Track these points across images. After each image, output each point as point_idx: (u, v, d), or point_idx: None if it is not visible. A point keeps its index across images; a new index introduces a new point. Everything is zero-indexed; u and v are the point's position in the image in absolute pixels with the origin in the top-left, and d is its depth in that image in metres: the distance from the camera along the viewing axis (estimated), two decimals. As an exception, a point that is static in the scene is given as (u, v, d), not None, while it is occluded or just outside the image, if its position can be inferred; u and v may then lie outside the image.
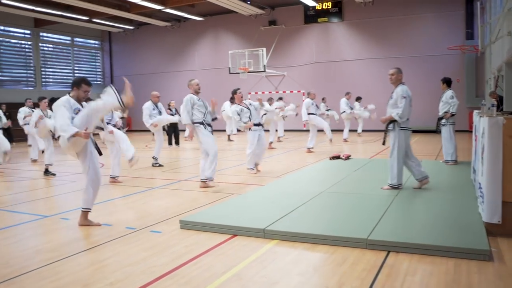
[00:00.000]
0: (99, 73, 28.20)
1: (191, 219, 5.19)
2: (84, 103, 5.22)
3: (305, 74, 22.13)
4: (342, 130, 16.45)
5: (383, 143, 6.82)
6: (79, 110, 5.03)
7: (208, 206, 6.20)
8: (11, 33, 23.30)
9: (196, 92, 7.61)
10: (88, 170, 5.18)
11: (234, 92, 8.85)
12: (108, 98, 5.10)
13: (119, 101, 5.04)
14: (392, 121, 6.47)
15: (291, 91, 22.07)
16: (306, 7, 21.53)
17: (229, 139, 17.27)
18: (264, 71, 20.63)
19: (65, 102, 5.05)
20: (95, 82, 27.69)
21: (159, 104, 10.35)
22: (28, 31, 23.94)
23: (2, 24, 22.38)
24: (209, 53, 24.42)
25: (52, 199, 7.49)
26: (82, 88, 5.04)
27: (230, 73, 21.13)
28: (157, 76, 25.59)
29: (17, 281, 3.77)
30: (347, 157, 10.29)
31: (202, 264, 4.00)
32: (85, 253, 4.41)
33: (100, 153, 5.39)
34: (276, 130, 15.68)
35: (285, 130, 17.49)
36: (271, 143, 14.04)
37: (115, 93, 5.09)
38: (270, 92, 22.56)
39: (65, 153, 5.75)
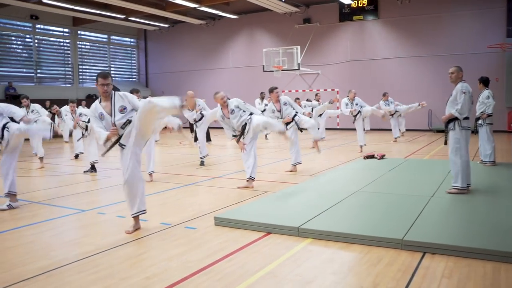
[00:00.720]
0: (135, 70, 28.64)
1: (225, 216, 5.23)
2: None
3: (339, 73, 21.95)
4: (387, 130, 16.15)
5: (445, 143, 6.68)
6: (102, 115, 5.02)
7: (242, 203, 6.23)
8: (51, 32, 23.91)
9: (222, 106, 7.44)
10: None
11: (271, 90, 8.72)
12: (164, 99, 4.75)
13: (176, 103, 4.64)
14: (452, 119, 6.29)
15: (325, 90, 21.92)
16: (341, 5, 21.34)
17: (266, 138, 17.16)
18: (298, 69, 20.54)
19: (92, 112, 5.05)
20: (130, 79, 28.15)
21: (199, 101, 10.33)
22: (67, 30, 24.52)
23: (42, 23, 22.99)
24: (243, 51, 24.49)
25: (89, 194, 7.66)
26: (98, 83, 4.96)
27: (264, 71, 21.12)
28: (191, 73, 25.82)
29: (56, 273, 3.88)
30: (382, 157, 10.17)
31: (236, 261, 4.03)
32: (122, 247, 4.50)
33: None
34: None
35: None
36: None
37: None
38: (303, 91, 22.48)
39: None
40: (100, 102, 5.04)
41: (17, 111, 6.54)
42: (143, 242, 4.65)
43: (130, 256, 4.24)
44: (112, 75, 26.23)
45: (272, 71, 20.52)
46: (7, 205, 6.32)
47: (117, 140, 4.96)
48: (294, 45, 20.94)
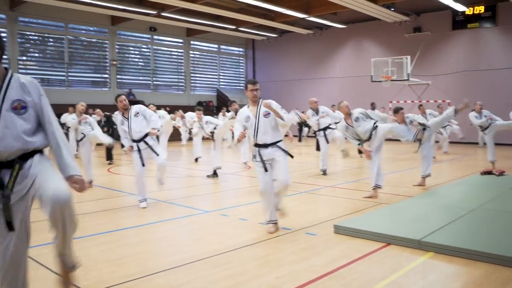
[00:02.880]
0: (242, 79, 29.62)
1: (345, 224, 5.35)
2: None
3: (451, 83, 21.08)
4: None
5: None
6: (248, 117, 5.43)
7: (358, 213, 6.31)
8: (166, 42, 25.52)
9: (346, 115, 7.54)
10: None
11: (396, 111, 8.25)
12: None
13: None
14: None
15: (435, 101, 21.16)
16: (455, 13, 20.53)
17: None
18: (408, 79, 20.07)
19: (239, 115, 5.66)
20: (238, 87, 29.14)
21: (322, 108, 10.37)
22: (180, 40, 26.02)
23: (159, 34, 24.61)
24: (350, 61, 24.40)
25: (210, 196, 8.18)
26: (248, 89, 5.42)
27: (372, 81, 20.91)
28: (298, 82, 26.16)
29: (192, 266, 4.25)
30: (501, 173, 9.68)
31: (359, 269, 4.14)
32: (248, 248, 4.79)
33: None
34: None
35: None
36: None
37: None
38: (412, 102, 21.88)
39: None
40: (248, 107, 5.53)
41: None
42: (268, 244, 4.92)
43: (259, 256, 4.52)
44: (221, 83, 27.59)
45: (381, 81, 20.25)
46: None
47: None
48: (403, 54, 20.50)
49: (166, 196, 7.80)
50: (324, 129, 10.26)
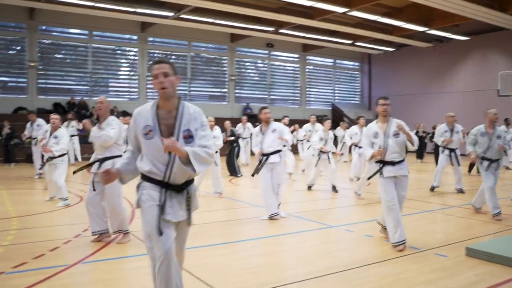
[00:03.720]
0: (358, 93, 29.40)
1: (478, 247, 5.16)
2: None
3: None
4: None
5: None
6: (376, 134, 5.51)
7: (490, 236, 6.05)
8: (282, 57, 26.17)
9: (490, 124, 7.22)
10: None
11: None
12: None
13: None
14: None
15: None
16: None
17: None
18: (539, 93, 18.68)
19: (366, 131, 5.81)
20: (353, 102, 28.95)
21: (457, 126, 9.95)
22: (296, 55, 26.53)
23: (276, 50, 25.32)
24: (473, 74, 23.17)
25: (332, 211, 8.31)
26: (379, 103, 5.50)
27: (498, 96, 19.68)
28: (416, 97, 25.29)
29: (324, 279, 4.38)
30: None
31: (500, 295, 4.01)
32: (377, 265, 4.82)
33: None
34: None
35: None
36: None
37: None
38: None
39: None
40: (376, 123, 5.63)
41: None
42: (397, 263, 4.90)
43: (389, 274, 4.53)
44: (336, 97, 27.57)
45: (509, 95, 19.02)
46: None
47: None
48: (534, 66, 19.10)
49: (288, 209, 8.02)
50: (452, 150, 9.88)
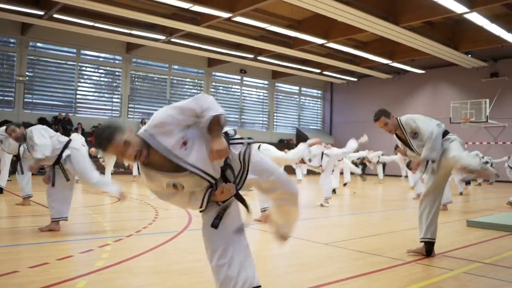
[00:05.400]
0: (320, 119, 31.44)
1: (478, 220, 6.73)
2: None
3: (529, 126, 21.99)
4: None
5: None
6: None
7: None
8: (253, 83, 27.85)
9: None
10: None
11: None
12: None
13: None
14: None
15: (512, 143, 22.07)
16: (533, 60, 21.66)
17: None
18: (487, 121, 21.17)
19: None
20: (315, 127, 30.91)
21: None
22: (266, 82, 28.30)
23: (248, 76, 26.98)
24: (427, 103, 25.69)
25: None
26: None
27: (450, 123, 22.08)
28: (375, 124, 27.43)
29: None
30: None
31: None
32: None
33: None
34: None
35: None
36: None
37: None
38: (488, 143, 22.85)
39: None
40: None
41: None
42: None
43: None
44: (300, 122, 29.36)
45: (459, 122, 21.41)
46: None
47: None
48: (479, 98, 21.75)
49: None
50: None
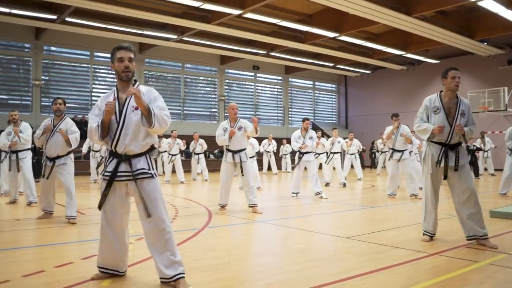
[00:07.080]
0: (335, 113, 31.33)
1: (501, 210, 6.65)
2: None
3: (548, 114, 21.62)
4: None
5: None
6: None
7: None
8: (266, 79, 27.82)
9: None
10: None
11: None
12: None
13: None
14: None
15: (532, 131, 21.67)
16: (551, 46, 21.27)
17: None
18: (506, 109, 20.85)
19: None
20: (331, 121, 30.79)
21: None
22: (280, 77, 28.26)
23: (261, 72, 26.97)
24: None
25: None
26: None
27: (469, 112, 21.80)
28: (389, 116, 27.22)
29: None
30: None
31: None
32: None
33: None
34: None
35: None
36: None
37: None
38: (507, 132, 22.50)
39: None
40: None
41: None
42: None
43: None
44: (316, 117, 29.27)
45: (478, 112, 21.14)
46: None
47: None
48: (497, 86, 21.37)
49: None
50: None
